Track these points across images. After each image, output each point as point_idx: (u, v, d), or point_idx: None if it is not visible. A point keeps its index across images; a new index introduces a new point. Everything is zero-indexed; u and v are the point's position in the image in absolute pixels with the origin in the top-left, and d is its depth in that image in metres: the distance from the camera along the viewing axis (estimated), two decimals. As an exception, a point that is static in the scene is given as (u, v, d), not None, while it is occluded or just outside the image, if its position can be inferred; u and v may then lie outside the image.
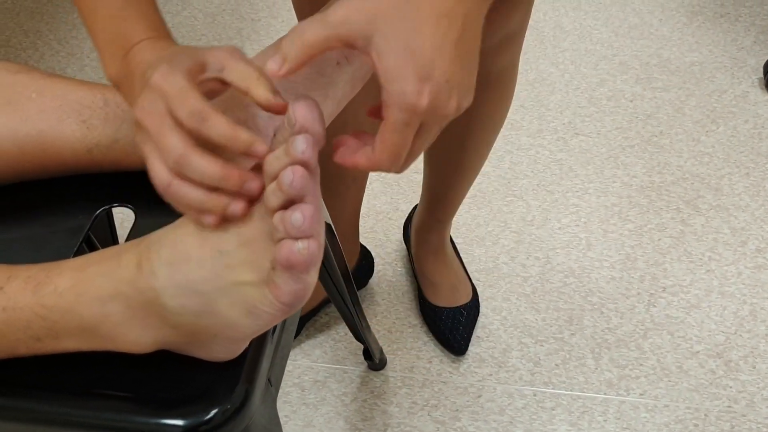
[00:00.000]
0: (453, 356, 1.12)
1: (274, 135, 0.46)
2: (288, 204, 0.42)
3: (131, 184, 0.67)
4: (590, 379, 1.10)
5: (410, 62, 0.41)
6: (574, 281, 1.22)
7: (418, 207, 1.15)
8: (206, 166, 0.44)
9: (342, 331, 1.16)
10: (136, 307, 0.49)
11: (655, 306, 1.19)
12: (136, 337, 0.50)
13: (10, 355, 0.52)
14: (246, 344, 0.54)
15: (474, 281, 1.19)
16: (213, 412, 0.54)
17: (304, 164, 0.42)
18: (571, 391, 1.09)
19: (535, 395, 1.08)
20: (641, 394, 1.08)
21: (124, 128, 0.64)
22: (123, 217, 0.70)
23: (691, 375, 1.10)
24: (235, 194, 0.45)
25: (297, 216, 0.41)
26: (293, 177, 0.41)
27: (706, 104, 1.53)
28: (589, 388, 1.09)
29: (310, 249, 0.42)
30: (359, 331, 0.99)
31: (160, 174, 0.45)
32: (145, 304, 0.48)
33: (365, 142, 0.46)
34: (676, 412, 1.06)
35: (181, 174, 0.44)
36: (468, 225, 1.30)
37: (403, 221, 1.29)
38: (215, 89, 0.47)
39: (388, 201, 1.33)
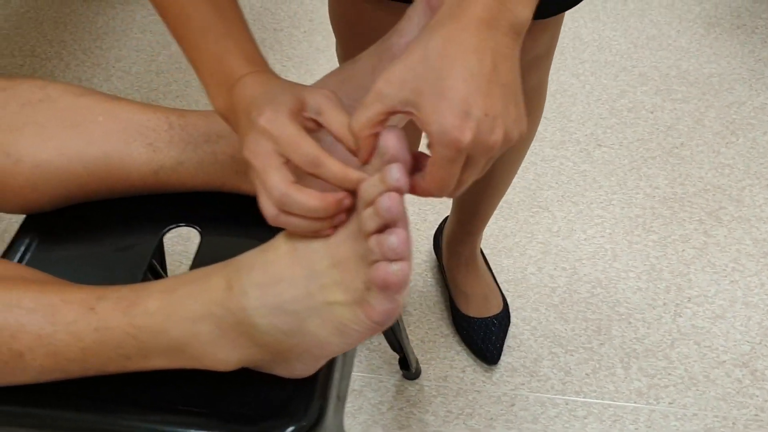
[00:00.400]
0: (486, 365, 1.14)
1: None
2: (383, 228, 0.45)
3: (195, 205, 0.69)
4: (620, 388, 1.12)
5: (445, 102, 0.43)
6: (602, 291, 1.25)
7: (448, 219, 1.17)
8: (306, 201, 0.47)
9: (377, 340, 1.18)
10: (225, 327, 0.51)
11: (681, 316, 1.21)
12: (224, 356, 0.52)
13: (99, 372, 0.54)
14: (326, 361, 0.56)
15: (503, 291, 1.22)
16: (290, 429, 0.56)
17: (398, 191, 0.44)
18: (602, 399, 1.11)
19: (567, 404, 1.11)
20: (670, 403, 1.11)
21: (189, 150, 0.66)
22: (179, 237, 0.72)
23: (718, 384, 1.13)
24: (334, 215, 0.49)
25: (393, 239, 0.44)
26: (390, 203, 0.44)
27: (725, 116, 1.55)
28: (620, 397, 1.11)
29: (403, 270, 0.44)
30: (398, 340, 1.02)
31: (267, 208, 0.49)
32: (235, 324, 0.51)
33: (420, 164, 0.48)
34: (704, 420, 1.09)
35: (285, 207, 0.47)
36: (495, 236, 1.32)
37: (432, 232, 1.31)
38: (310, 128, 0.49)
39: (416, 212, 1.36)
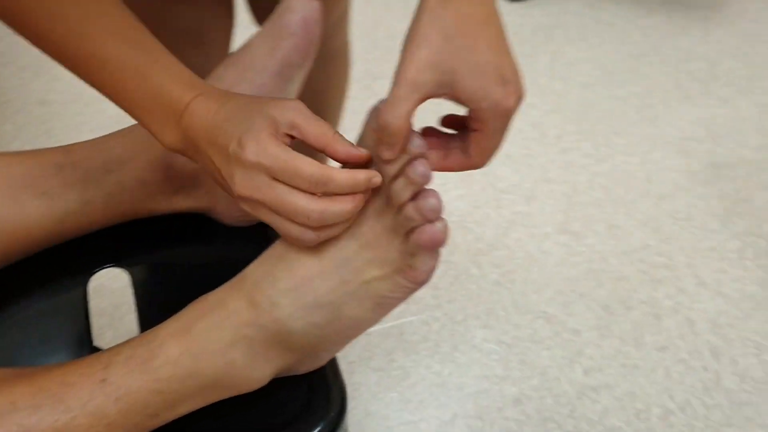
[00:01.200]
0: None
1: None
2: (416, 195, 0.47)
3: (112, 241, 0.63)
4: (480, 284, 1.25)
5: (484, 76, 0.45)
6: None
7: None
8: (344, 208, 0.46)
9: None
10: (258, 346, 0.50)
11: (501, 207, 1.36)
12: (259, 374, 0.51)
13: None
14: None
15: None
16: (321, 425, 0.56)
17: (422, 155, 0.46)
18: (470, 300, 1.22)
19: (445, 314, 1.20)
20: (523, 282, 1.25)
21: (91, 188, 0.61)
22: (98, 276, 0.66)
23: (552, 254, 1.29)
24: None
25: (432, 201, 0.46)
26: (423, 168, 0.46)
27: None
28: (482, 291, 1.23)
29: (446, 226, 0.47)
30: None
31: (302, 235, 0.47)
32: (270, 337, 0.50)
33: (444, 143, 0.50)
34: (553, 286, 1.25)
35: (325, 223, 0.47)
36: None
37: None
38: (286, 143, 0.48)
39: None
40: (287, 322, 0.49)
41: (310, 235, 0.47)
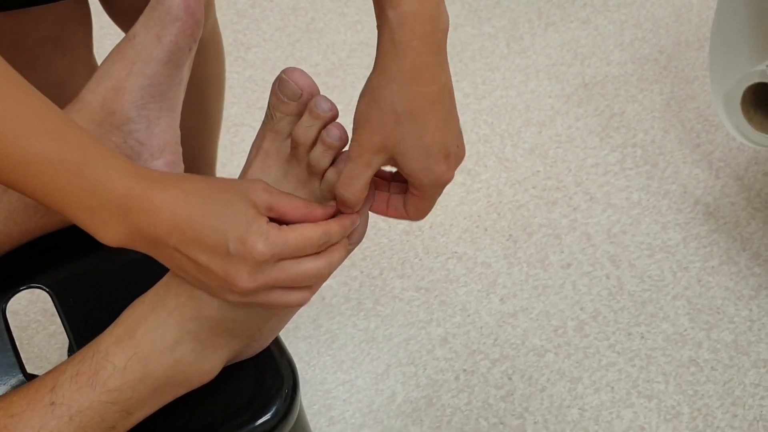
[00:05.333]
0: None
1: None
2: (334, 161, 0.49)
3: (25, 260, 0.60)
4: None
5: (429, 157, 0.49)
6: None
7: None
8: (342, 254, 0.50)
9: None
10: (204, 338, 0.50)
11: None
12: (210, 365, 0.51)
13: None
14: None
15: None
16: (282, 392, 0.57)
17: (333, 118, 0.50)
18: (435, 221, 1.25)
19: (361, 272, 1.22)
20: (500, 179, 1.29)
21: (3, 201, 0.58)
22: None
23: (523, 166, 1.33)
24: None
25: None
26: (337, 131, 0.49)
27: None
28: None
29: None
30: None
31: (304, 298, 0.49)
32: (213, 328, 0.50)
33: (387, 187, 0.54)
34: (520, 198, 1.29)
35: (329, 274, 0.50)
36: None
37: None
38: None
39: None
40: (228, 309, 0.50)
41: (308, 295, 0.49)
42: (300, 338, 1.14)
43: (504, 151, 1.41)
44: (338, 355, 1.12)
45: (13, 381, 0.56)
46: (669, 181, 1.36)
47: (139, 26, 0.59)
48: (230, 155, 1.39)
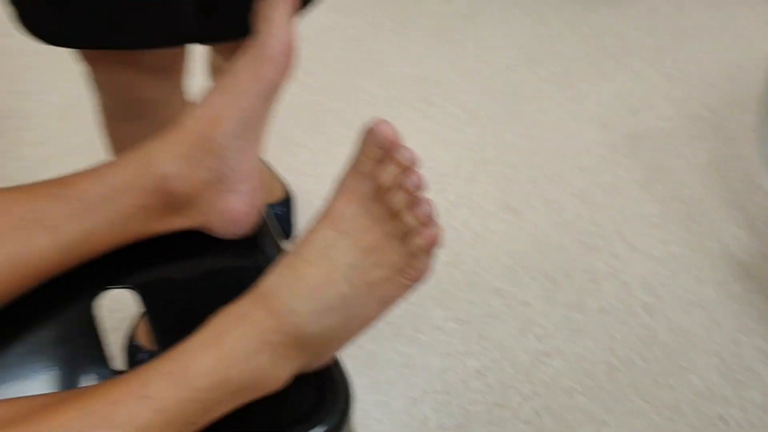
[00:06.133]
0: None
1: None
2: (410, 204, 0.54)
3: (121, 263, 0.67)
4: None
5: None
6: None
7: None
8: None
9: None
10: (280, 350, 0.55)
11: (444, 191, 1.44)
12: (282, 374, 0.56)
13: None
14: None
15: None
16: (338, 408, 0.62)
17: (415, 166, 0.53)
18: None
19: (404, 299, 1.27)
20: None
21: (91, 217, 0.64)
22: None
23: (497, 231, 1.38)
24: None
25: (427, 208, 0.54)
26: (417, 180, 0.53)
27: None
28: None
29: (440, 229, 0.55)
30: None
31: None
32: (289, 341, 0.55)
33: None
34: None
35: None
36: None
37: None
38: None
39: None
40: (305, 327, 0.55)
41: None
42: (345, 356, 1.19)
43: (550, 193, 1.46)
44: (377, 376, 1.17)
45: (104, 372, 0.62)
46: (709, 238, 1.39)
47: (240, 63, 0.65)
48: (294, 176, 1.45)
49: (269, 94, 0.66)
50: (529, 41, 1.81)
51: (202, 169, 0.64)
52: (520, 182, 1.47)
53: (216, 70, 1.12)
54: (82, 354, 0.63)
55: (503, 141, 1.54)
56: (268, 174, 1.35)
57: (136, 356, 1.10)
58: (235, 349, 0.54)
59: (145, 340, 1.09)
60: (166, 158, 0.64)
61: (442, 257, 1.33)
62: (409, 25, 1.77)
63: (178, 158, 0.64)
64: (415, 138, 1.52)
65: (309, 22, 1.70)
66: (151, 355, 1.16)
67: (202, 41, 0.82)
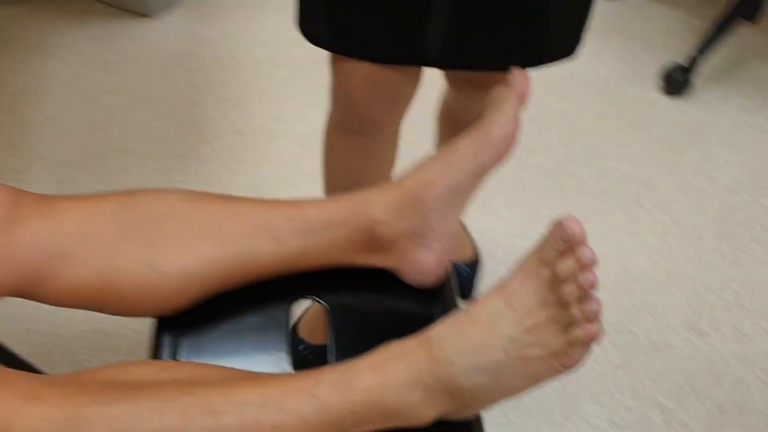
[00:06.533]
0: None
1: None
2: (580, 298, 0.59)
3: (317, 278, 0.79)
4: (601, 362, 1.33)
5: None
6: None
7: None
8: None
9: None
10: (432, 392, 0.63)
11: (634, 295, 1.44)
12: (426, 414, 0.64)
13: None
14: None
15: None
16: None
17: (593, 265, 0.59)
18: (589, 378, 1.30)
19: (563, 387, 1.29)
20: (644, 370, 1.32)
21: (310, 238, 0.76)
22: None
23: (674, 346, 1.36)
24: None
25: (596, 306, 0.58)
26: (593, 279, 0.58)
27: (625, 112, 1.80)
28: (604, 371, 1.31)
29: (602, 327, 0.59)
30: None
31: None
32: (440, 387, 0.62)
33: None
34: (674, 379, 1.31)
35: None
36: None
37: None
38: None
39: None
40: (457, 379, 0.62)
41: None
42: (488, 422, 1.24)
43: (743, 323, 1.41)
44: (517, 451, 1.20)
45: (281, 366, 0.74)
46: None
47: (463, 140, 0.75)
48: (487, 242, 1.53)
49: (482, 174, 0.75)
50: (757, 165, 1.76)
51: (406, 222, 0.74)
52: (714, 305, 1.43)
53: (445, 114, 1.21)
54: (271, 342, 0.75)
55: (705, 260, 1.51)
56: (463, 234, 1.44)
57: (298, 347, 1.22)
58: (395, 378, 0.62)
59: (307, 335, 1.22)
60: (379, 206, 0.75)
61: (612, 358, 1.33)
62: (638, 126, 1.79)
63: (389, 208, 0.74)
64: (615, 234, 1.54)
65: (540, 104, 1.79)
66: (311, 350, 1.29)
67: (442, 65, 0.92)
